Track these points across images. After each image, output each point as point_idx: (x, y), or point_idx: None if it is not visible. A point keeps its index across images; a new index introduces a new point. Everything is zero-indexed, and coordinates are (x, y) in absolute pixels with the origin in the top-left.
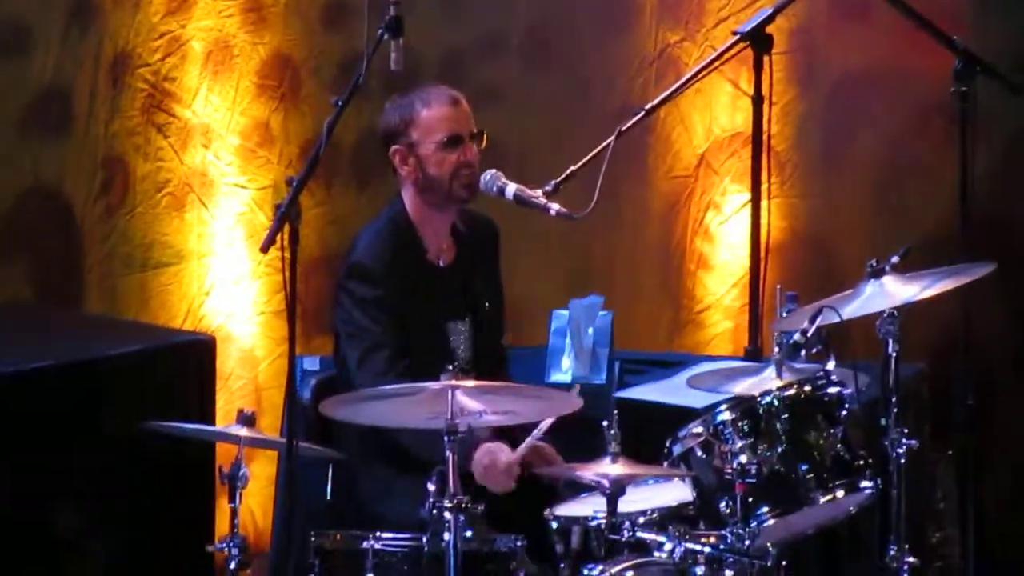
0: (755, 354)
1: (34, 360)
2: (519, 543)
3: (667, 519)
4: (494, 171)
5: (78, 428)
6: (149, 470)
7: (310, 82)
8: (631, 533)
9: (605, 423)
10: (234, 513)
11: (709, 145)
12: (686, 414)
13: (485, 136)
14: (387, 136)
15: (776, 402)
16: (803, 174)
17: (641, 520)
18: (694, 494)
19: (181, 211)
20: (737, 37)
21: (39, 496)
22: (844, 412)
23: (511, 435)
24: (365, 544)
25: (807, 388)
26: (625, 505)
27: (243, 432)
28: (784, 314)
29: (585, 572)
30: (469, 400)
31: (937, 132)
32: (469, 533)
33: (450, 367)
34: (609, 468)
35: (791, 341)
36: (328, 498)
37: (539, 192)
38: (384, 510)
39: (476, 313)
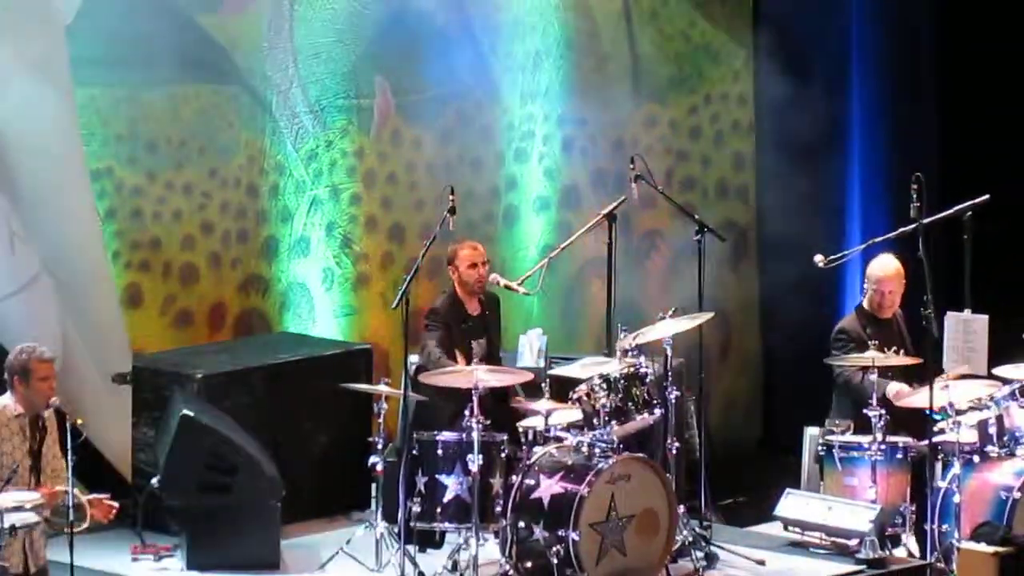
0: (609, 355)
1: (293, 356)
2: (505, 437)
3: (570, 426)
4: (495, 275)
5: (314, 387)
6: (347, 405)
7: (411, 238)
8: (554, 432)
9: (543, 384)
10: (379, 424)
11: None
12: (579, 381)
13: (488, 263)
14: (449, 259)
15: (618, 375)
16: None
17: (559, 426)
18: (582, 416)
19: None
20: (600, 215)
21: (301, 418)
22: (648, 379)
23: (504, 396)
24: (438, 437)
25: (632, 369)
26: (552, 420)
27: (384, 388)
28: (622, 336)
29: (535, 449)
30: (484, 374)
31: (691, 258)
32: (483, 433)
33: (475, 360)
34: (545, 404)
35: (625, 348)
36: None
37: (516, 283)
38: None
39: (488, 336)
